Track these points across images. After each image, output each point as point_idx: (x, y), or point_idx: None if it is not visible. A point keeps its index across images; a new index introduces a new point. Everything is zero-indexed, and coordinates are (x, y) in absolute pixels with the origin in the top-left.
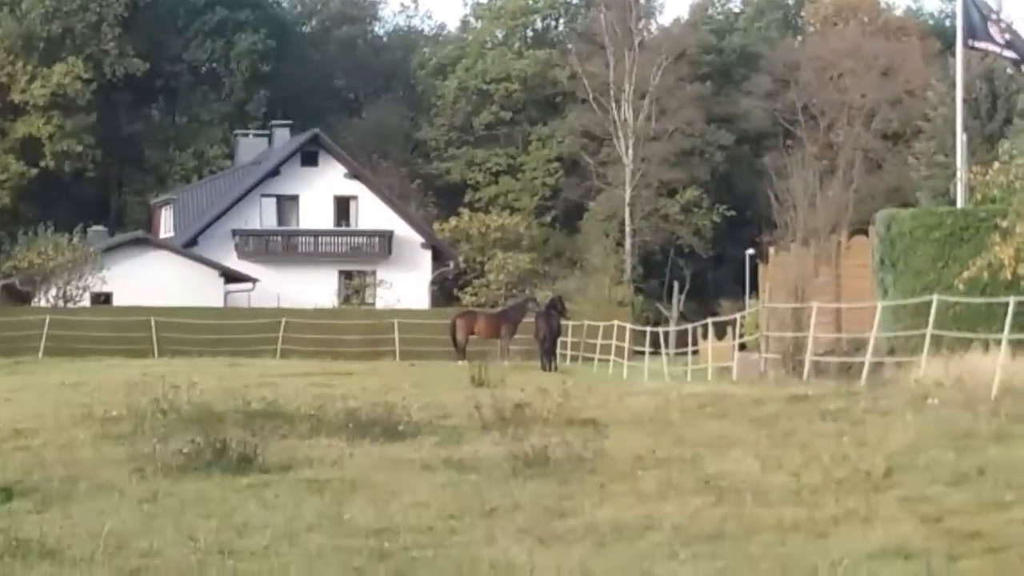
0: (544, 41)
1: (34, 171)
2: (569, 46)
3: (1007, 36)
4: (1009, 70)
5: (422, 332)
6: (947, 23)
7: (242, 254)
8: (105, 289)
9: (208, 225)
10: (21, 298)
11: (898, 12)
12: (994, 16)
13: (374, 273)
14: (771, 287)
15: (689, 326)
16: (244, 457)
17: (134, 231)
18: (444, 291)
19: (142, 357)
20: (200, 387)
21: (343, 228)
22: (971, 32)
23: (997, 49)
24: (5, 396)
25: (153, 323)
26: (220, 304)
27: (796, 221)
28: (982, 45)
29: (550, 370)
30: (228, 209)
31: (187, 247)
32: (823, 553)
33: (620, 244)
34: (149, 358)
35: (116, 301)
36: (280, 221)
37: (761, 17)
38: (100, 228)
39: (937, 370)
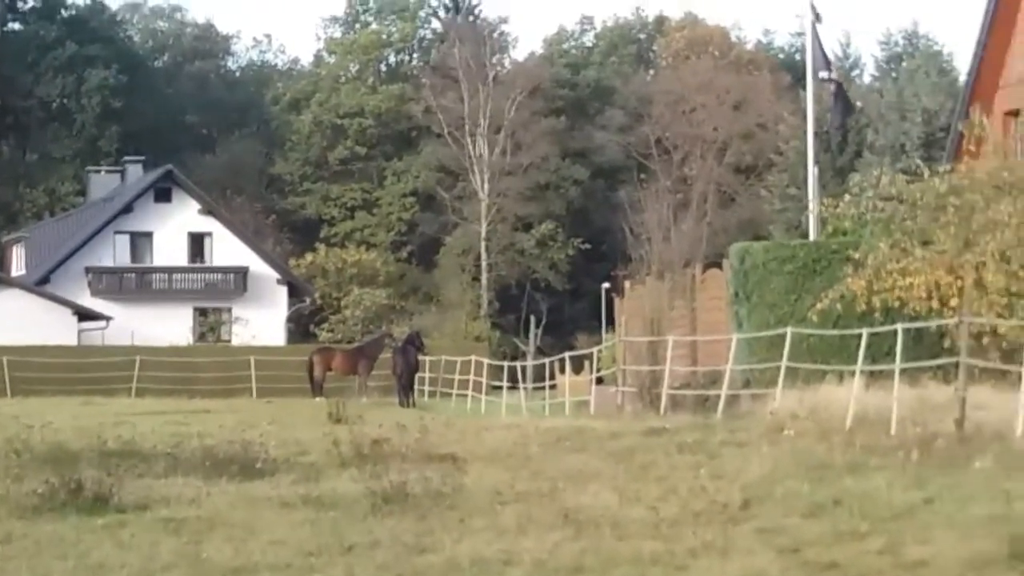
0: (398, 75)
1: None
2: (423, 80)
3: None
4: (859, 103)
5: (279, 369)
6: (797, 57)
7: (96, 292)
8: None
9: (61, 263)
10: None
11: (749, 46)
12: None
13: (229, 310)
14: (627, 320)
15: (546, 360)
16: (100, 497)
17: None
18: (300, 327)
19: None
20: (54, 426)
21: (198, 265)
22: (819, 65)
23: (832, 87)
24: None
25: (5, 362)
26: (74, 342)
27: (651, 254)
28: (824, 74)
29: (408, 406)
30: (81, 246)
31: (39, 285)
32: None
33: (476, 279)
34: (2, 398)
35: None
36: (134, 258)
37: (614, 51)
38: None
39: (792, 402)
